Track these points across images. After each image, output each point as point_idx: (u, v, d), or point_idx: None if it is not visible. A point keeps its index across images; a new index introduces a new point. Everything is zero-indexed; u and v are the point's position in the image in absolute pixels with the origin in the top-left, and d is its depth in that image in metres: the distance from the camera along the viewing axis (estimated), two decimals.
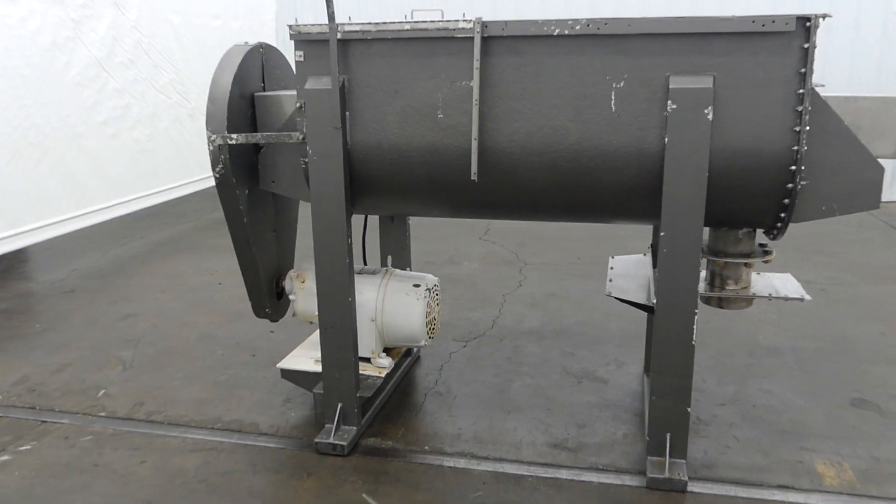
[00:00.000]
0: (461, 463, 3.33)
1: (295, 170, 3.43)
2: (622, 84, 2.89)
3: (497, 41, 2.95)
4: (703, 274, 3.39)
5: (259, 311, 3.86)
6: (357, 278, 3.72)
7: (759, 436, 3.48)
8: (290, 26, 3.13)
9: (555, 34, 2.88)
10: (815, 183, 2.88)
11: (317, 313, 3.70)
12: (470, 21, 2.93)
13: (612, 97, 2.91)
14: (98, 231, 6.65)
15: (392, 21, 3.03)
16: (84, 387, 4.16)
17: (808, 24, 2.69)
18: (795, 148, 2.79)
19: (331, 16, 3.04)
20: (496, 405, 3.85)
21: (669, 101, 2.81)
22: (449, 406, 3.85)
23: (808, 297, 3.21)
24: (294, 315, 3.89)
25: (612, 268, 3.73)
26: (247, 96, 3.44)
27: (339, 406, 3.48)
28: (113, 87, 6.43)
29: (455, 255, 6.61)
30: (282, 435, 3.60)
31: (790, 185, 2.85)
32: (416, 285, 3.67)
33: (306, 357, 3.85)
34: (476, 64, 2.94)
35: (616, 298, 3.34)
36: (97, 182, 6.26)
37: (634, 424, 3.63)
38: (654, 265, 3.56)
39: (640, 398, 3.90)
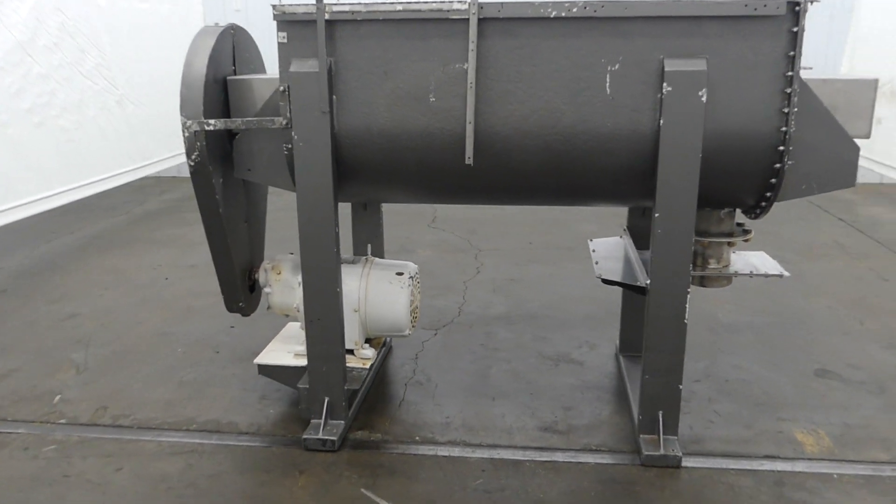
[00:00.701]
0: (455, 451, 3.30)
1: (273, 157, 3.29)
2: (617, 66, 2.90)
3: (492, 23, 2.90)
4: None
5: (232, 306, 3.70)
6: None
7: (738, 409, 3.61)
8: (274, 6, 2.99)
9: (551, 16, 2.86)
10: (798, 163, 2.99)
11: (294, 305, 3.60)
12: (465, 2, 2.88)
13: (608, 80, 2.92)
14: (23, 226, 6.21)
15: (383, 1, 2.94)
16: (37, 393, 3.88)
17: (797, 8, 2.77)
18: (784, 129, 2.88)
19: None
20: (479, 391, 3.83)
21: (665, 84, 2.84)
22: (432, 395, 3.80)
23: (786, 273, 3.33)
24: (269, 308, 3.75)
25: (594, 250, 3.77)
26: (219, 80, 3.28)
27: (327, 400, 3.38)
28: (37, 72, 6.00)
29: (407, 242, 6.53)
30: (264, 433, 3.47)
31: (778, 165, 2.94)
32: (399, 273, 3.60)
33: (283, 351, 3.72)
34: (472, 46, 2.89)
35: (606, 280, 3.37)
36: (22, 174, 5.84)
37: (617, 404, 3.69)
38: (637, 246, 3.62)
39: (617, 378, 3.96)
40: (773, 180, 2.99)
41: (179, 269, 5.89)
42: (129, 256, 6.27)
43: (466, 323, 4.74)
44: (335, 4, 2.95)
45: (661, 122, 2.88)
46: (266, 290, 3.70)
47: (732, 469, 3.13)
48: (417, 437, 3.41)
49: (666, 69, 2.84)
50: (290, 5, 2.98)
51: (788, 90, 2.84)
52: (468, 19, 2.88)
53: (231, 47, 3.37)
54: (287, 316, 3.83)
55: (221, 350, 4.39)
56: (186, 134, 3.12)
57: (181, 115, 3.12)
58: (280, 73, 3.07)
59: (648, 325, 3.15)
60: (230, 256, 3.52)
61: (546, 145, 3.01)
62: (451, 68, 2.97)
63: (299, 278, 3.61)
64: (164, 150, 7.99)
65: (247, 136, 3.30)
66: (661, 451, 3.15)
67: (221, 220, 3.39)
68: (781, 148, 2.90)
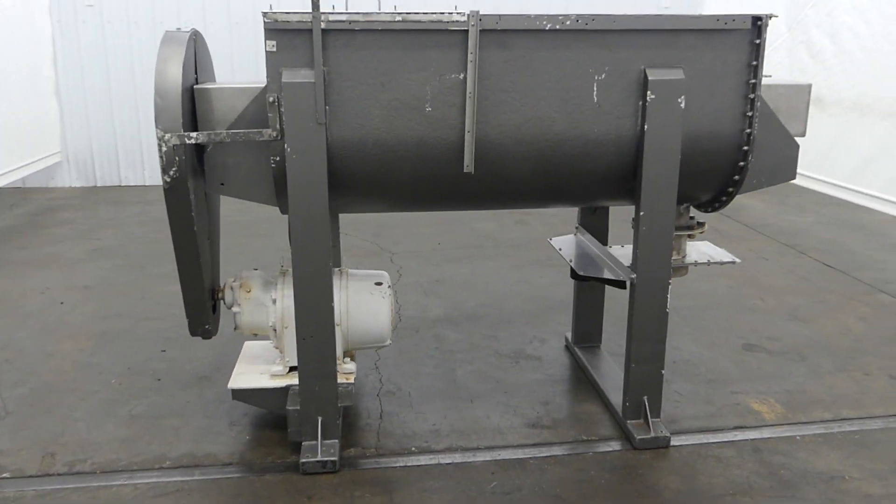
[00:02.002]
0: (457, 458, 3.32)
1: (250, 170, 3.14)
2: (603, 76, 3.06)
3: (487, 35, 2.95)
4: None
5: (197, 329, 3.45)
6: None
7: (694, 388, 3.93)
8: (265, 13, 2.84)
9: (546, 28, 2.96)
10: (754, 160, 3.32)
11: (269, 324, 3.45)
12: (464, 14, 2.91)
13: (595, 88, 3.07)
14: None
15: (380, 11, 2.89)
16: None
17: (759, 23, 3.07)
18: (748, 131, 3.19)
19: (315, 4, 2.81)
20: (454, 395, 3.87)
21: (648, 92, 3.04)
22: (409, 403, 3.79)
23: (738, 259, 3.68)
24: (236, 329, 3.55)
25: (560, 249, 3.92)
26: (187, 90, 3.06)
27: (320, 420, 3.27)
28: None
29: None
30: (250, 462, 3.29)
31: (742, 164, 3.25)
32: (378, 283, 3.55)
33: (255, 374, 3.54)
34: (471, 57, 2.93)
35: (588, 278, 3.54)
36: None
37: (587, 395, 3.89)
38: (605, 243, 3.83)
39: (576, 370, 4.16)
40: (737, 177, 3.30)
41: (73, 292, 5.36)
42: (6, 280, 5.60)
43: (411, 328, 4.74)
44: (332, 13, 2.86)
45: (646, 126, 3.08)
46: (234, 309, 3.50)
47: (713, 443, 3.42)
48: (413, 448, 3.40)
49: (650, 78, 3.04)
50: (284, 13, 2.85)
51: (752, 96, 3.15)
52: (466, 31, 2.92)
53: (193, 54, 3.15)
54: (255, 335, 3.66)
55: (162, 377, 4.08)
56: (164, 148, 2.88)
57: (157, 127, 2.88)
58: (268, 83, 2.93)
59: (634, 316, 3.35)
60: (201, 276, 3.29)
61: (538, 152, 3.12)
62: (447, 78, 2.99)
63: (272, 294, 3.47)
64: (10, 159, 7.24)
65: (220, 148, 3.11)
66: (652, 434, 3.38)
67: (195, 239, 3.17)
68: (746, 148, 3.21)
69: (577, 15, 2.96)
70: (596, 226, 4.03)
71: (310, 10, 2.84)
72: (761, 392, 3.88)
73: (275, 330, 3.47)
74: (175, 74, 2.92)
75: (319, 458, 3.20)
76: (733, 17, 3.06)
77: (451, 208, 3.53)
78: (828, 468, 3.21)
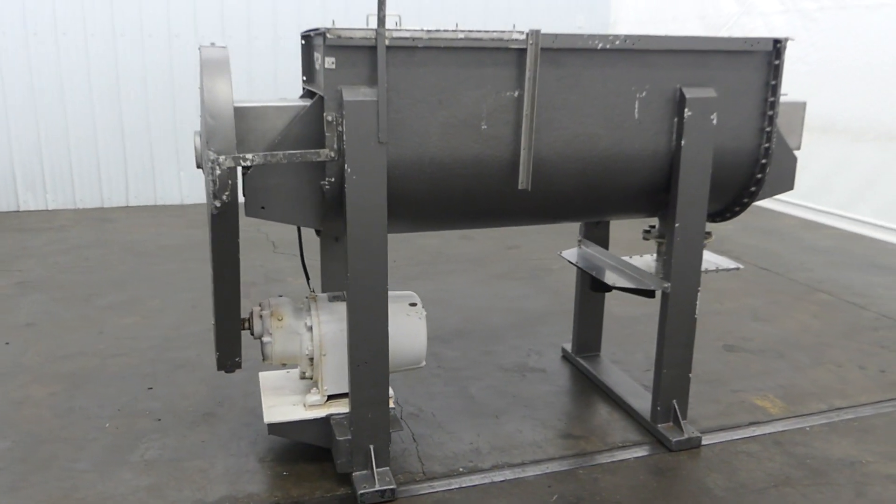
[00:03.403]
0: (508, 474, 3.31)
1: (292, 192, 3.00)
2: (644, 94, 3.19)
3: (542, 53, 2.99)
4: (653, 258, 3.89)
5: (227, 362, 3.23)
6: (339, 306, 3.40)
7: (697, 388, 4.11)
8: (328, 30, 2.74)
9: (598, 48, 3.05)
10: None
11: (302, 352, 3.30)
12: (523, 32, 2.94)
13: (636, 106, 3.19)
14: None
15: (443, 29, 2.87)
16: None
17: (778, 45, 3.32)
18: (767, 145, 3.42)
19: (381, 20, 2.75)
20: (478, 412, 3.86)
21: (686, 109, 3.20)
22: (437, 424, 3.73)
23: (741, 266, 3.92)
24: (265, 360, 3.36)
25: (576, 262, 4.01)
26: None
27: (372, 448, 3.16)
28: None
29: (270, 273, 6.13)
30: (298, 499, 3.12)
31: (760, 176, 3.48)
32: (413, 304, 3.48)
33: (288, 405, 3.37)
34: (529, 74, 2.96)
35: (619, 289, 3.63)
36: None
37: (606, 401, 3.99)
38: (611, 252, 3.95)
39: (584, 379, 4.26)
40: (753, 188, 3.52)
41: (15, 331, 4.85)
42: None
43: None
44: (395, 30, 2.80)
45: (683, 142, 3.23)
46: (265, 339, 3.31)
47: (737, 439, 3.62)
48: (461, 469, 3.35)
49: (687, 96, 3.19)
50: (347, 29, 2.76)
51: (770, 113, 3.38)
52: (524, 49, 2.95)
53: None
54: (285, 365, 3.48)
55: (161, 417, 3.78)
56: (219, 171, 2.70)
57: (209, 149, 2.69)
58: (326, 101, 2.82)
59: (667, 323, 3.49)
60: (238, 306, 3.10)
61: (583, 167, 3.19)
62: (503, 96, 3.00)
63: (306, 322, 3.32)
64: None
65: (260, 171, 2.95)
66: (686, 436, 3.52)
67: (238, 266, 2.98)
68: (764, 161, 3.44)
69: (626, 35, 3.07)
70: (600, 238, 4.17)
71: (373, 28, 2.77)
72: (758, 389, 4.15)
73: (310, 359, 3.32)
74: (226, 93, 2.75)
75: (378, 487, 3.09)
76: (757, 40, 3.29)
77: (498, 225, 3.53)
78: (845, 454, 3.48)
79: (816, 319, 5.22)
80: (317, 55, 3.25)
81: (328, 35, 2.74)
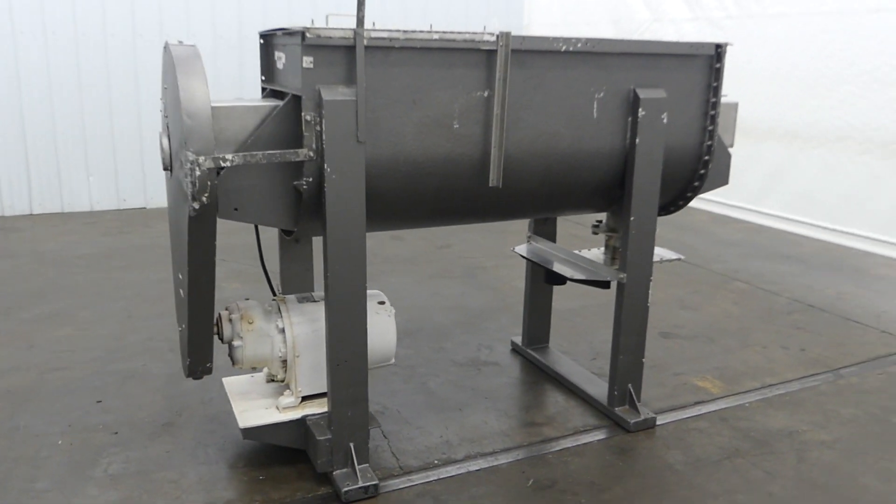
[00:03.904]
0: (482, 463, 3.41)
1: (266, 193, 2.98)
2: (602, 94, 3.37)
3: (511, 54, 3.11)
4: (601, 251, 4.09)
5: (198, 368, 3.17)
6: (310, 307, 3.40)
7: (644, 373, 4.35)
8: (307, 29, 2.74)
9: (561, 50, 3.20)
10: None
11: (273, 355, 3.28)
12: (494, 34, 3.04)
13: (595, 106, 3.37)
14: None
15: (419, 30, 2.93)
16: None
17: (719, 49, 3.57)
18: (709, 143, 3.68)
19: (360, 20, 2.78)
20: (441, 407, 3.93)
21: (640, 109, 3.40)
22: (404, 420, 3.78)
23: (682, 257, 4.18)
24: (235, 364, 3.31)
25: (528, 256, 4.15)
26: None
27: (352, 445, 3.17)
28: None
29: None
30: (280, 501, 3.10)
31: (703, 171, 3.73)
32: (381, 302, 3.51)
33: (261, 409, 3.34)
34: (500, 75, 3.07)
35: (575, 281, 3.79)
36: None
37: (561, 390, 4.15)
38: (560, 245, 4.13)
39: (537, 370, 4.41)
40: (696, 183, 3.78)
41: None
42: None
43: None
44: (374, 31, 2.84)
45: (637, 140, 3.43)
46: (236, 343, 3.26)
47: (687, 417, 3.86)
48: (436, 461, 3.42)
49: (641, 97, 3.39)
50: (325, 29, 2.78)
51: (712, 112, 3.64)
52: (495, 50, 3.05)
53: None
54: (254, 368, 3.43)
55: (117, 430, 3.64)
56: (198, 172, 2.65)
57: (188, 150, 2.64)
58: (304, 101, 2.82)
59: (622, 312, 3.69)
60: (212, 311, 3.05)
61: (547, 165, 3.33)
62: (473, 96, 3.10)
63: (277, 324, 3.30)
64: None
65: (234, 172, 2.91)
66: (642, 417, 3.73)
67: (214, 270, 2.94)
68: (707, 157, 3.69)
69: (587, 38, 3.24)
70: (548, 234, 4.33)
71: (351, 27, 2.81)
72: (697, 371, 4.43)
73: (283, 361, 3.30)
74: (203, 92, 2.71)
75: (361, 484, 3.11)
76: (701, 45, 3.53)
77: (465, 222, 3.61)
78: (782, 426, 3.79)
79: (737, 306, 5.61)
80: (278, 54, 3.24)
81: (307, 34, 2.75)
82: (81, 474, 3.26)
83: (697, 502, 3.14)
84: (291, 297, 3.47)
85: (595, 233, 4.06)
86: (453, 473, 3.33)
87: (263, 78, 3.41)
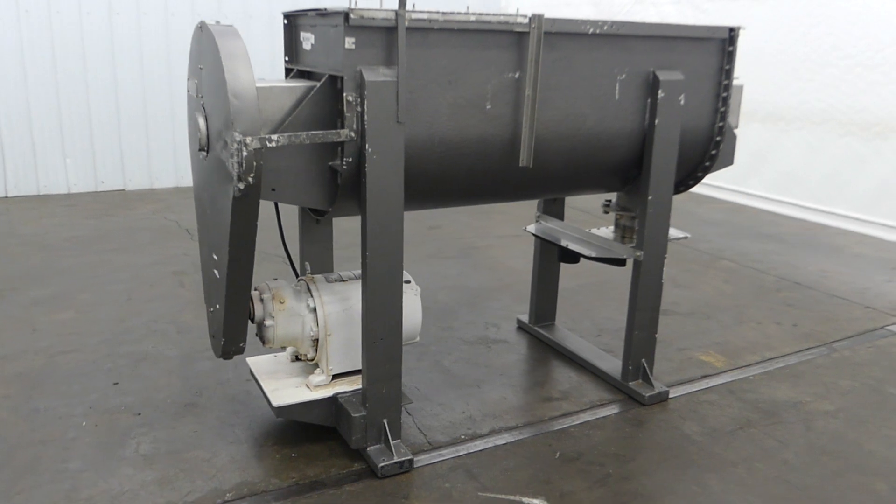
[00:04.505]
0: (508, 437, 3.50)
1: (303, 173, 3.00)
2: (624, 76, 3.45)
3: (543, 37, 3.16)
4: (610, 230, 4.20)
5: (232, 348, 3.18)
6: (340, 287, 3.43)
7: None
8: (351, 10, 2.75)
9: (589, 32, 3.27)
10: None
11: (304, 334, 3.31)
12: (526, 17, 3.09)
13: (617, 87, 3.45)
14: None
15: (456, 12, 2.96)
16: None
17: (732, 33, 3.68)
18: (720, 124, 3.79)
19: (402, 1, 2.80)
20: (459, 384, 4.01)
21: (660, 90, 3.50)
22: (425, 397, 3.85)
23: (689, 235, 4.31)
24: (265, 344, 3.33)
25: (542, 235, 4.23)
26: None
27: (385, 422, 3.23)
28: None
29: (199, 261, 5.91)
30: (315, 479, 3.14)
31: (714, 152, 3.85)
32: (407, 281, 3.55)
33: (291, 388, 3.38)
34: (532, 56, 3.12)
35: (590, 258, 3.89)
36: None
37: (571, 366, 4.26)
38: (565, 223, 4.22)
39: (546, 347, 4.51)
40: (708, 163, 3.90)
41: None
42: None
43: None
44: (414, 12, 2.87)
45: (656, 121, 3.53)
46: (267, 322, 3.28)
47: (697, 391, 4.01)
48: (462, 436, 3.50)
49: (661, 79, 3.49)
50: (368, 10, 2.79)
51: (724, 94, 3.76)
52: (525, 32, 3.11)
53: None
54: (284, 348, 3.45)
55: (140, 411, 3.63)
56: (245, 153, 2.66)
57: (235, 130, 2.65)
58: (345, 81, 2.84)
59: (639, 289, 3.80)
60: (249, 291, 3.06)
61: (572, 145, 3.41)
62: (505, 77, 3.15)
63: (307, 303, 3.33)
64: None
65: (272, 153, 2.92)
66: (656, 390, 3.86)
67: (253, 250, 2.95)
68: (718, 138, 3.81)
69: (612, 21, 3.31)
70: (556, 213, 4.42)
71: (393, 8, 2.83)
72: (699, 346, 4.58)
73: (314, 340, 3.33)
74: (248, 72, 2.70)
75: (396, 459, 3.17)
76: (716, 28, 3.63)
77: (491, 201, 3.65)
78: (786, 397, 3.96)
79: (728, 284, 5.79)
80: (305, 35, 3.25)
81: (352, 15, 2.77)
82: (113, 454, 3.25)
83: (719, 470, 3.28)
84: (320, 276, 3.49)
85: (606, 212, 4.16)
86: (481, 448, 3.41)
87: (287, 59, 3.41)
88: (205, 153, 3.00)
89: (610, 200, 4.18)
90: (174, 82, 8.41)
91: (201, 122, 2.93)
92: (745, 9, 7.51)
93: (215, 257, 3.09)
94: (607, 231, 4.21)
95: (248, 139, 2.65)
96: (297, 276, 3.66)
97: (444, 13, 2.94)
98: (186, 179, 8.48)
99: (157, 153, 8.53)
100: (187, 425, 3.51)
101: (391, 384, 3.22)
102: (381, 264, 3.05)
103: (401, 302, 3.14)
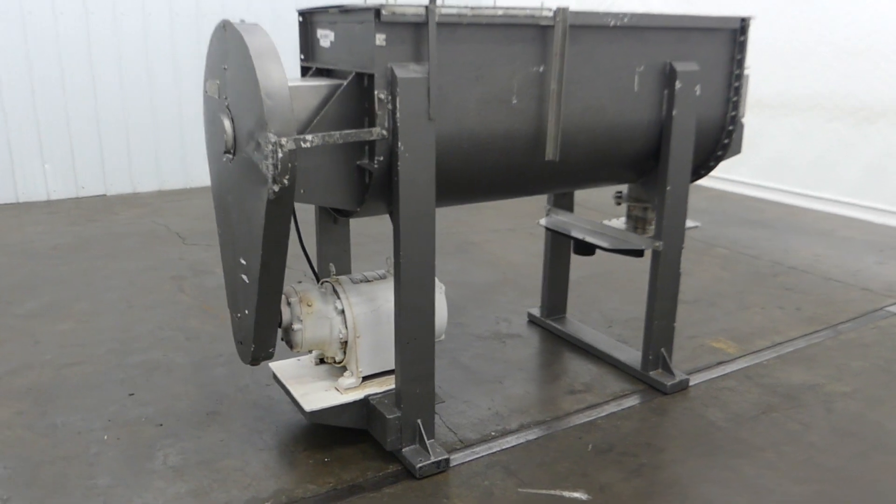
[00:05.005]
0: (538, 432, 3.50)
1: (331, 173, 2.95)
2: (642, 68, 3.46)
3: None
4: (622, 221, 4.22)
5: (262, 353, 3.12)
6: (366, 288, 3.40)
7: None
8: (383, 6, 2.71)
9: (610, 25, 3.27)
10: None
11: (331, 337, 3.28)
12: (551, 10, 3.08)
13: (636, 79, 3.46)
14: None
15: (484, 7, 2.94)
16: None
17: (744, 23, 3.72)
18: (733, 114, 3.83)
19: None
20: (481, 380, 3.99)
21: (677, 81, 3.51)
22: (449, 395, 3.83)
23: (700, 224, 4.35)
24: (293, 348, 3.28)
25: (556, 228, 4.23)
26: None
27: (420, 422, 3.20)
28: None
29: (195, 264, 5.80)
30: (353, 483, 3.10)
31: (727, 141, 3.89)
32: None
33: (321, 391, 3.33)
34: (558, 50, 3.11)
35: (608, 250, 3.90)
36: None
37: (588, 358, 4.27)
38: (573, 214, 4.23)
39: (560, 340, 4.52)
40: (720, 153, 3.93)
41: None
42: None
43: None
44: (444, 7, 2.83)
45: (674, 112, 3.55)
46: (296, 326, 3.22)
47: (715, 377, 4.05)
48: (493, 433, 3.49)
49: (679, 70, 3.50)
50: (399, 6, 2.75)
51: (736, 84, 3.79)
52: (549, 26, 3.10)
53: None
54: (310, 352, 3.41)
55: (161, 421, 3.55)
56: (280, 154, 2.60)
57: (269, 131, 2.59)
58: (376, 79, 2.79)
59: (658, 279, 3.83)
60: (280, 295, 3.01)
61: (593, 138, 3.42)
62: (530, 71, 3.14)
63: (335, 305, 3.29)
64: None
65: (301, 153, 2.87)
66: (677, 379, 3.89)
67: (285, 253, 2.90)
68: (731, 128, 3.85)
69: (631, 13, 3.31)
70: (566, 205, 4.43)
71: (423, 4, 2.79)
72: (709, 334, 4.64)
73: (342, 342, 3.29)
74: (279, 72, 2.65)
75: (433, 459, 3.15)
76: (728, 19, 3.67)
77: (514, 196, 3.63)
78: (802, 381, 4.03)
79: (725, 271, 5.87)
80: (323, 32, 3.20)
81: (383, 11, 2.72)
82: (141, 468, 3.18)
83: (748, 455, 3.32)
84: (344, 277, 3.44)
85: (618, 203, 4.18)
86: (514, 444, 3.40)
87: (303, 56, 3.36)
88: (230, 155, 2.93)
89: (621, 192, 4.20)
90: (155, 84, 8.23)
91: (227, 123, 2.87)
92: None
93: (243, 262, 3.02)
94: (618, 222, 4.24)
95: (284, 140, 2.60)
96: (317, 278, 3.61)
97: (472, 8, 2.91)
98: (170, 183, 8.31)
99: (138, 157, 8.33)
100: (213, 434, 3.44)
101: (425, 384, 3.19)
102: (413, 263, 3.02)
103: (433, 301, 3.11)
